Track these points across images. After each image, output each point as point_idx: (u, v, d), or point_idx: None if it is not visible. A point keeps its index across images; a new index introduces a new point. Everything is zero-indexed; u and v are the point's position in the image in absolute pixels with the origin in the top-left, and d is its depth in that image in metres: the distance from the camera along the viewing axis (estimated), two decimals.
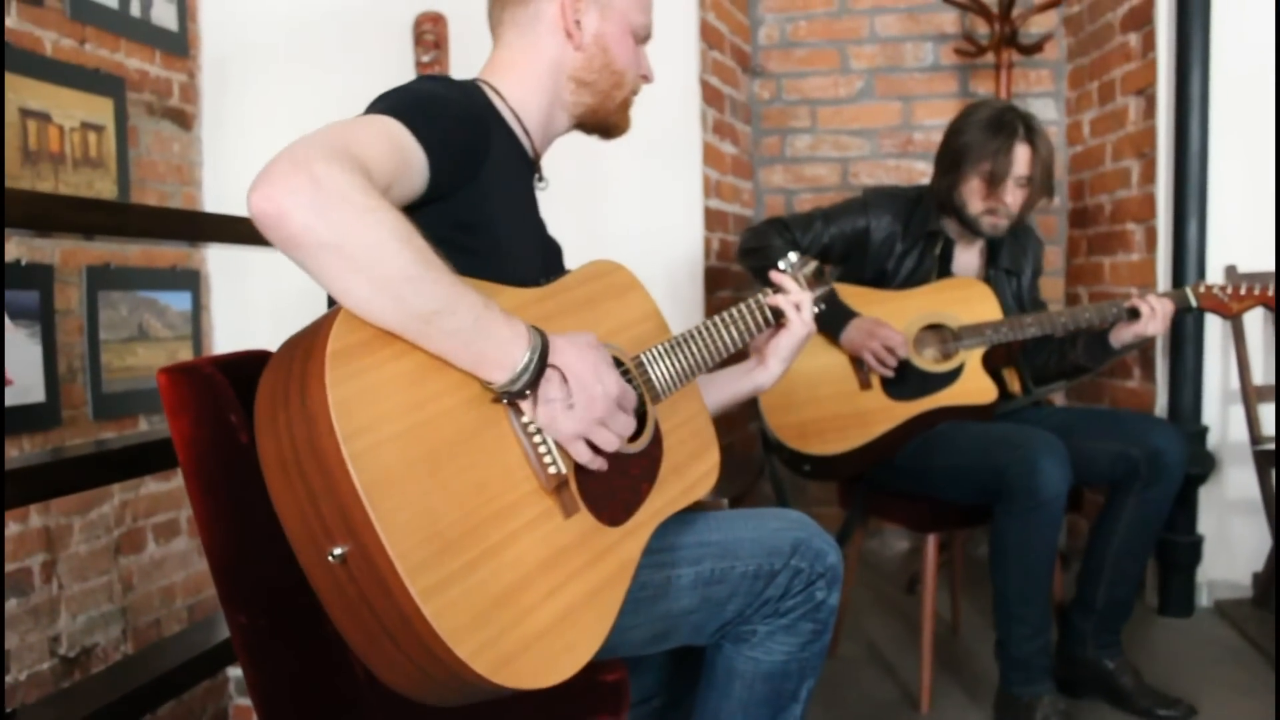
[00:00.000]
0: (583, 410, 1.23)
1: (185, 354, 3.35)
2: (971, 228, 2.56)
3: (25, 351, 2.74)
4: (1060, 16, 3.87)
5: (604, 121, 1.60)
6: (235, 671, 3.28)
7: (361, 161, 1.14)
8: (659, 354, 1.47)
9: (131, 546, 3.15)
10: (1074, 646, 2.48)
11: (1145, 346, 3.21)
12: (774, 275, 1.66)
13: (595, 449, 1.27)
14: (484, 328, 1.16)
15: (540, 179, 1.59)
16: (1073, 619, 2.48)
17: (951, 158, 2.52)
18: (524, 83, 1.52)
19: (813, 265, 1.73)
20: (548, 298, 1.37)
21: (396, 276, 1.09)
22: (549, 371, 1.22)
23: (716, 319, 1.59)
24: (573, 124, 1.60)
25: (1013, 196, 2.49)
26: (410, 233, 1.12)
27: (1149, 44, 3.19)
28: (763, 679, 1.46)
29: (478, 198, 1.38)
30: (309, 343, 1.10)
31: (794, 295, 1.64)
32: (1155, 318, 2.36)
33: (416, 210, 1.31)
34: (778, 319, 1.65)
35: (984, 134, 2.46)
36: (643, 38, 1.60)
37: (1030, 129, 2.47)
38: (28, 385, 2.75)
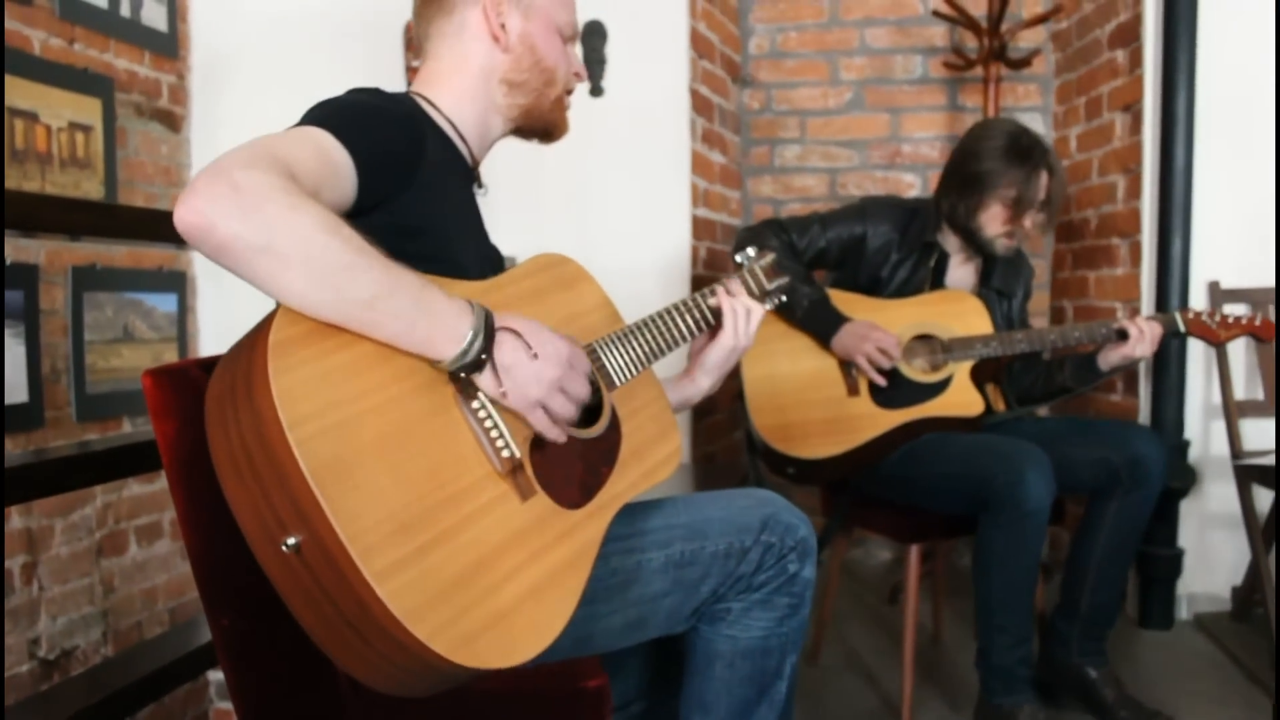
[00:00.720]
0: (544, 366, 1.24)
1: (171, 356, 3.34)
2: (984, 248, 2.58)
3: (9, 351, 2.73)
4: (1049, 32, 3.89)
5: (541, 122, 1.60)
6: (216, 675, 3.27)
7: (285, 165, 1.15)
8: (612, 342, 1.48)
9: (113, 549, 3.13)
10: (1058, 652, 2.49)
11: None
12: (725, 281, 1.65)
13: (552, 418, 1.27)
14: (426, 306, 1.17)
15: (480, 185, 1.60)
16: (1057, 624, 2.49)
17: (970, 184, 2.51)
18: (456, 91, 1.53)
19: (770, 257, 1.74)
20: (494, 290, 1.37)
21: (331, 267, 1.10)
22: (500, 335, 1.22)
23: (670, 307, 1.59)
24: (509, 128, 1.60)
25: (1032, 221, 2.52)
26: (337, 224, 1.13)
27: (1136, 60, 3.22)
28: (743, 657, 1.47)
29: (416, 202, 1.38)
30: (252, 338, 1.11)
31: (742, 301, 1.62)
32: (1144, 340, 2.38)
33: (354, 221, 1.31)
34: (716, 321, 1.63)
35: (1006, 162, 2.47)
36: (569, 36, 1.61)
37: (1047, 154, 2.49)
38: (11, 385, 2.74)
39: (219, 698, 3.37)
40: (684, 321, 1.61)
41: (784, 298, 1.75)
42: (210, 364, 1.32)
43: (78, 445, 2.11)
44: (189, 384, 1.28)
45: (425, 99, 1.53)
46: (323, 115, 1.30)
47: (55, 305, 2.92)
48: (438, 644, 1.07)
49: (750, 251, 1.72)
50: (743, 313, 1.62)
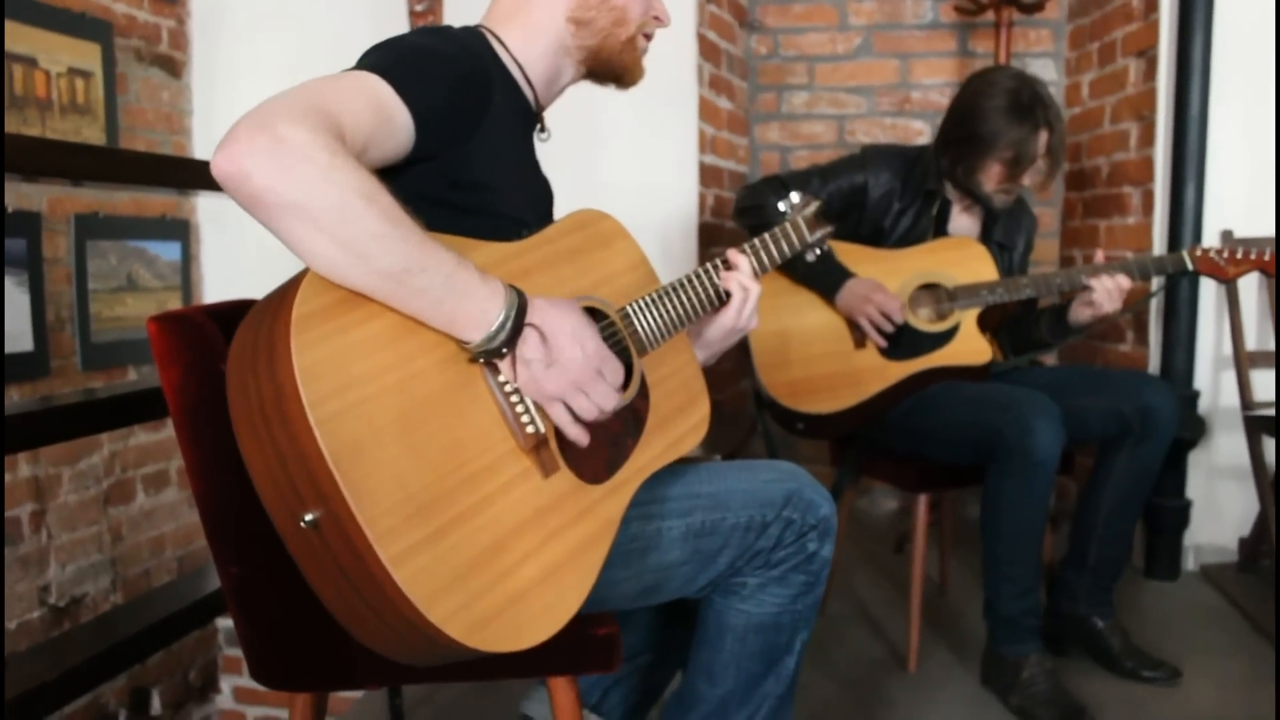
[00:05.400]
0: (561, 372, 1.21)
1: (174, 304, 3.33)
2: (984, 203, 2.55)
3: (13, 300, 2.72)
4: None
5: (610, 64, 1.53)
6: (225, 622, 3.29)
7: (334, 120, 1.11)
8: (645, 305, 1.44)
9: (121, 497, 3.14)
10: (1065, 602, 2.50)
11: (1137, 315, 3.21)
12: (731, 254, 1.56)
13: (574, 415, 1.25)
14: (456, 285, 1.14)
15: (542, 130, 1.55)
16: (1065, 575, 2.50)
17: (968, 144, 2.48)
18: (525, 29, 1.48)
19: (814, 206, 1.69)
20: (528, 251, 1.34)
21: (362, 235, 1.08)
22: (527, 330, 1.20)
23: (703, 269, 1.54)
24: (581, 71, 1.54)
25: (1031, 178, 2.50)
26: (376, 190, 1.09)
27: (1151, 5, 3.16)
28: (755, 631, 1.46)
29: (472, 157, 1.35)
30: (276, 305, 1.08)
31: (748, 283, 1.54)
32: (1111, 298, 2.36)
33: (406, 168, 1.29)
34: (724, 300, 1.55)
35: (1006, 123, 2.42)
36: None
37: (1048, 109, 2.44)
38: (16, 334, 2.73)
39: (228, 645, 3.40)
40: (720, 282, 1.54)
41: (823, 249, 1.70)
42: (216, 311, 1.30)
43: (83, 393, 2.10)
44: (195, 330, 1.27)
45: (495, 35, 1.47)
46: (385, 62, 1.26)
47: (58, 254, 2.90)
48: (451, 628, 1.07)
49: (794, 198, 1.67)
50: (753, 292, 1.54)
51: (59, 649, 1.83)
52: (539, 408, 1.23)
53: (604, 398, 1.25)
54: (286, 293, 1.09)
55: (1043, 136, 2.44)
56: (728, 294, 1.55)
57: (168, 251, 3.29)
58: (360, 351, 1.09)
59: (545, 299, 1.24)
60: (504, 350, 1.18)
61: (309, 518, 1.04)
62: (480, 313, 1.16)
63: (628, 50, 1.53)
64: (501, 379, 1.21)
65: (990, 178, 2.49)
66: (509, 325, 1.17)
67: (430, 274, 1.12)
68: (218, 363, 1.25)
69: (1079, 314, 2.43)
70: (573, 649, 1.37)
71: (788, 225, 1.66)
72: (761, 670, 1.48)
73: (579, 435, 1.25)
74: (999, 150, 2.45)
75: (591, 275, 1.41)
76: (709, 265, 1.55)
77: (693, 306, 1.51)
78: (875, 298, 2.44)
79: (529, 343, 1.20)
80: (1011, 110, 2.43)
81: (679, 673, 1.69)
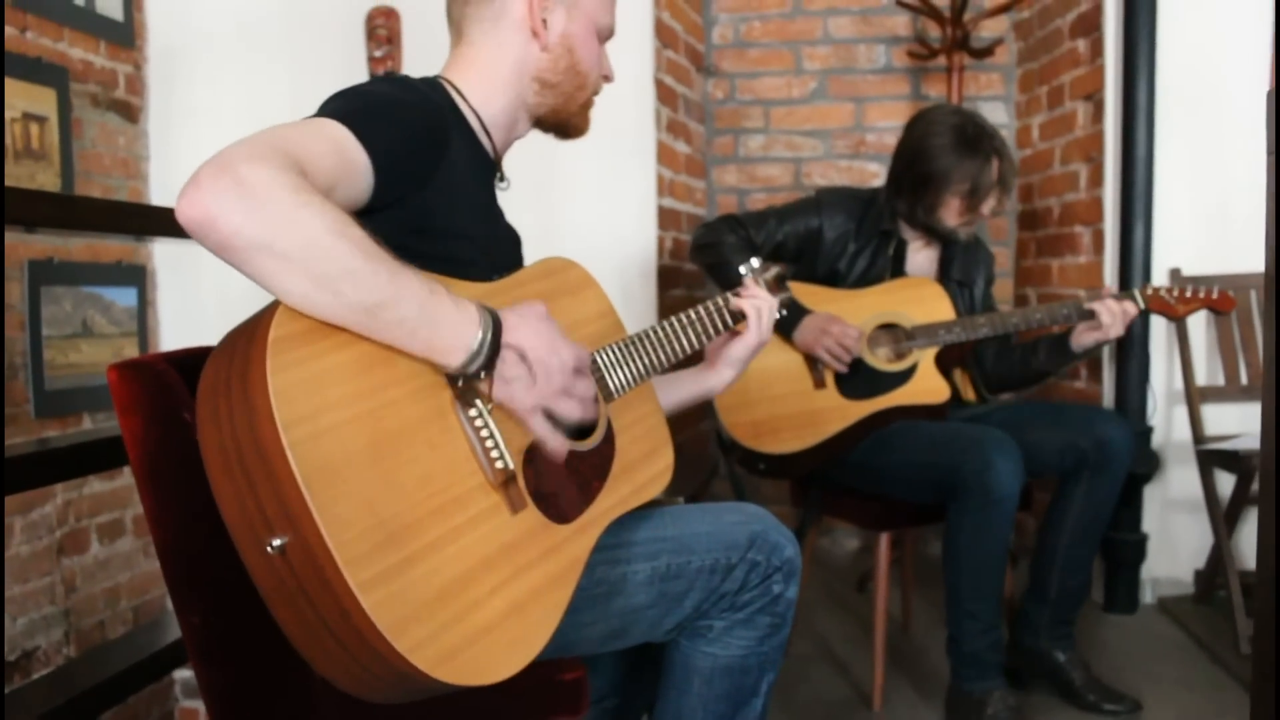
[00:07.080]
0: (543, 384, 1.23)
1: (131, 351, 3.29)
2: (946, 238, 2.60)
3: None
4: (1011, 21, 3.92)
5: (564, 122, 1.58)
6: (181, 674, 3.23)
7: (296, 160, 1.12)
8: (614, 353, 1.46)
9: (75, 547, 3.08)
10: (1026, 636, 2.52)
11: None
12: (739, 288, 1.66)
13: (555, 422, 1.26)
14: (431, 314, 1.14)
15: (501, 179, 1.57)
16: (1026, 608, 2.52)
17: (924, 183, 2.53)
18: (488, 82, 1.50)
19: (774, 270, 1.73)
20: (499, 293, 1.35)
21: (333, 272, 1.08)
22: (504, 352, 1.21)
23: (674, 320, 1.58)
24: (533, 125, 1.59)
25: (988, 206, 2.55)
26: (345, 224, 1.10)
27: (1097, 50, 3.24)
28: (722, 674, 1.46)
29: (432, 205, 1.36)
30: (251, 330, 1.08)
31: (759, 299, 1.65)
32: (1116, 322, 2.41)
33: (366, 216, 1.29)
34: (737, 322, 1.65)
35: (957, 157, 2.49)
36: (606, 37, 1.60)
37: (993, 139, 2.50)
38: None
39: (185, 697, 3.33)
40: (688, 335, 1.59)
41: (785, 311, 1.77)
42: (176, 358, 1.29)
43: (37, 442, 2.07)
44: (155, 378, 1.25)
45: (454, 87, 1.49)
46: (343, 109, 1.27)
47: (11, 300, 2.86)
48: (418, 659, 1.06)
49: (754, 263, 1.72)
50: (765, 309, 1.64)
51: (10, 705, 1.79)
52: (509, 442, 1.24)
53: (586, 391, 1.28)
54: (261, 317, 1.08)
55: (994, 164, 2.50)
56: (741, 316, 1.63)
57: (124, 297, 3.26)
58: (335, 377, 1.09)
59: (516, 313, 1.24)
60: (483, 373, 1.19)
61: (276, 543, 1.03)
62: (457, 339, 1.16)
63: (582, 111, 1.59)
64: (472, 413, 1.21)
65: (951, 213, 2.54)
66: (487, 347, 1.18)
67: (404, 305, 1.12)
68: (180, 411, 1.24)
69: (1083, 339, 2.47)
70: (539, 693, 1.36)
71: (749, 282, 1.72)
72: (729, 713, 1.48)
73: (560, 444, 1.26)
74: (955, 185, 2.50)
75: (561, 321, 1.42)
76: (691, 313, 1.61)
77: (663, 355, 1.54)
78: (832, 329, 2.47)
79: (508, 363, 1.21)
80: (960, 145, 2.49)
81: (645, 716, 1.68)
